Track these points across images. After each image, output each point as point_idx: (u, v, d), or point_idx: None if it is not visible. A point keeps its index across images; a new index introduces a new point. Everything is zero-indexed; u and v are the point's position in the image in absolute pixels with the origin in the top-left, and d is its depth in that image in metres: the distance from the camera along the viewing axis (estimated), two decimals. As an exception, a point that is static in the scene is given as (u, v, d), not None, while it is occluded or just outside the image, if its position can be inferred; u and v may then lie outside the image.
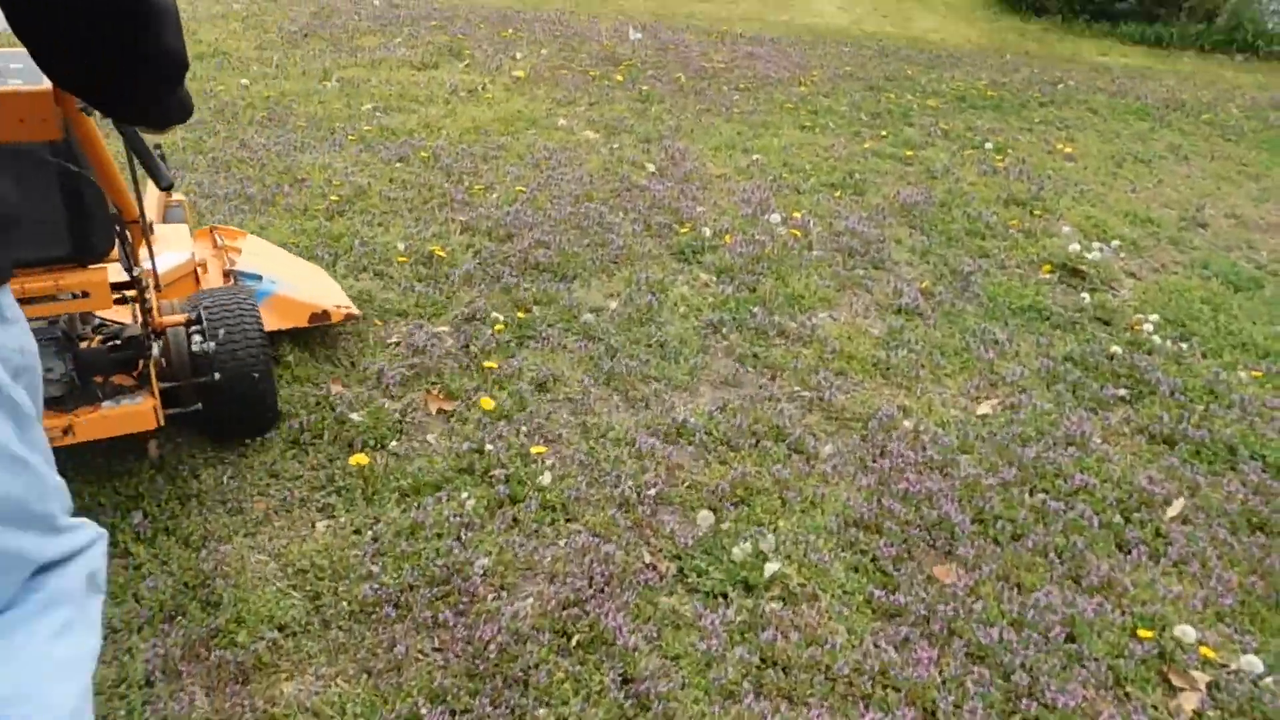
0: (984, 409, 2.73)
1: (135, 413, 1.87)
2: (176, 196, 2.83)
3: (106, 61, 0.91)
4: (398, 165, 4.01)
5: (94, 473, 2.13)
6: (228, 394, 2.09)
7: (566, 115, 4.97)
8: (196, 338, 2.02)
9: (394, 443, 2.34)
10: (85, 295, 1.72)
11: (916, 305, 3.26)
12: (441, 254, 3.27)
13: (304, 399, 2.46)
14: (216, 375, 2.04)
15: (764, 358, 2.86)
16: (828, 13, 9.05)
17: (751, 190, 4.12)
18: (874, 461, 2.44)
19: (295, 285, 2.64)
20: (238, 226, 3.19)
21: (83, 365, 1.87)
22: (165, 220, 2.66)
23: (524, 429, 2.43)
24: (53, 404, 1.83)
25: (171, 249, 2.36)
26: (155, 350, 1.92)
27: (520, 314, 2.94)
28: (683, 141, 4.71)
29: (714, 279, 3.34)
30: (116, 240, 1.76)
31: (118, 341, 1.97)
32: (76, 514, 0.97)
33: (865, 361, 2.90)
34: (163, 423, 1.94)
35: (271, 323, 2.43)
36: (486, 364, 2.65)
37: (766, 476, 2.33)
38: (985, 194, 4.38)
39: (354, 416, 2.39)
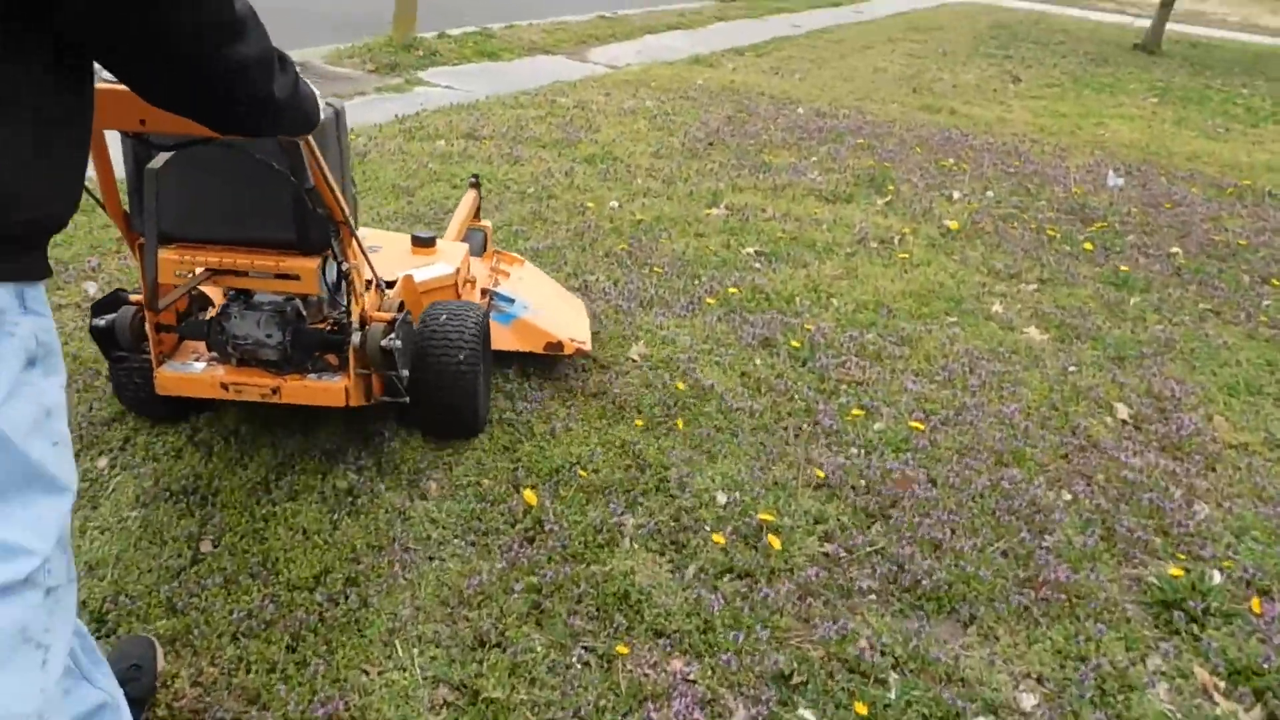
0: None
1: (329, 389, 2.08)
2: (484, 223, 3.18)
3: (194, 98, 1.08)
4: (759, 356, 3.00)
5: None
6: (428, 392, 2.25)
7: (1005, 296, 3.68)
8: (392, 335, 2.09)
9: None
10: (297, 278, 1.96)
11: None
12: (772, 527, 2.20)
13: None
14: (405, 372, 2.14)
15: None
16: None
17: (1295, 491, 2.56)
18: None
19: (543, 314, 2.79)
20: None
21: (298, 339, 2.09)
22: (465, 239, 2.95)
23: None
24: (269, 366, 2.10)
25: (442, 262, 2.59)
26: (355, 339, 2.06)
27: (863, 703, 1.76)
28: (1176, 367, 3.22)
29: (1223, 688, 1.91)
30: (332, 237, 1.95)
31: (334, 326, 2.16)
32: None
33: None
34: (352, 403, 2.11)
35: (511, 343, 2.68)
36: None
37: None
38: None
39: None
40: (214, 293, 2.21)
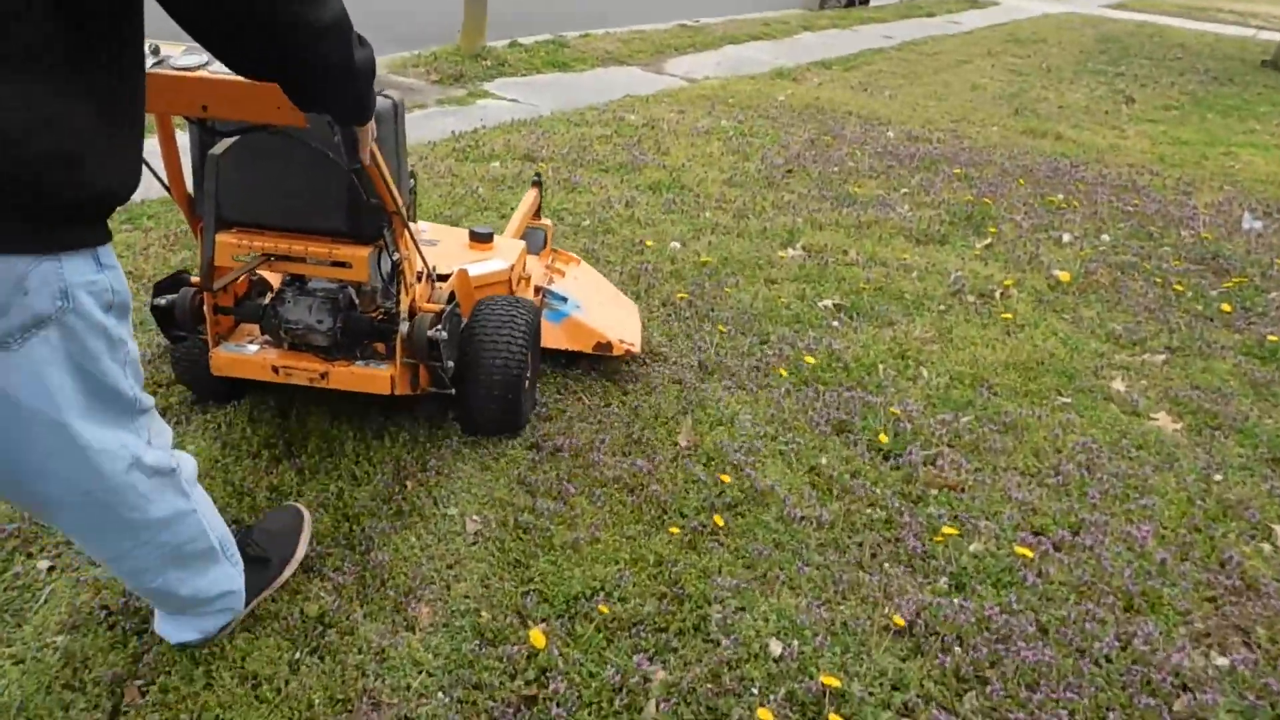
0: None
1: (375, 376, 2.12)
2: (544, 221, 3.16)
3: (273, 61, 1.18)
4: (832, 447, 2.53)
5: None
6: (474, 385, 2.27)
7: (1128, 370, 3.13)
8: (439, 326, 2.11)
9: None
10: (349, 266, 1.99)
11: None
12: (837, 694, 1.74)
13: None
14: (450, 363, 2.18)
15: None
16: None
17: None
18: None
19: (595, 314, 2.78)
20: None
21: (348, 326, 2.13)
22: (525, 237, 2.95)
23: None
24: (319, 351, 2.15)
25: (498, 258, 2.58)
26: (403, 329, 2.08)
27: None
28: (1345, 475, 2.64)
29: None
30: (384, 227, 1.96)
31: (384, 315, 2.18)
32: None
33: None
34: (397, 392, 2.13)
35: (561, 342, 2.69)
36: None
37: None
38: None
39: None
40: (274, 279, 2.25)
